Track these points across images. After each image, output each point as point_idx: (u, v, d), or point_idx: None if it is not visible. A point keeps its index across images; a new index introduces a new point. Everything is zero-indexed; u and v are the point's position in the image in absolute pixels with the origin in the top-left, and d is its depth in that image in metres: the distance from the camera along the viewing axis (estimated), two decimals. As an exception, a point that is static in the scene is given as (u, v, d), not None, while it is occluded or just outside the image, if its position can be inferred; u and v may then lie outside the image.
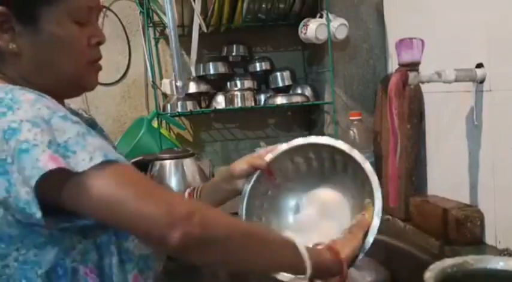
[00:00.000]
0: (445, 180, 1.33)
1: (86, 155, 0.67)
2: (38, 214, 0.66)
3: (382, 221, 0.88)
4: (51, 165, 0.64)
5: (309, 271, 0.78)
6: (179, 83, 1.29)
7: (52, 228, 0.72)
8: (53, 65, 0.80)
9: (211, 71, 1.79)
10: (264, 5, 1.66)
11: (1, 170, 0.67)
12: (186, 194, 1.05)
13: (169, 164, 1.40)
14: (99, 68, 0.87)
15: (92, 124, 0.97)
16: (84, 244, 0.75)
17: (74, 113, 0.96)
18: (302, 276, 0.79)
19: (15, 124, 0.67)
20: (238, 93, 1.70)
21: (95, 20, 0.85)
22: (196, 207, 0.71)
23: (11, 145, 0.66)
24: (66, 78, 0.82)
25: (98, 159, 0.67)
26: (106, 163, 0.67)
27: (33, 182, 0.64)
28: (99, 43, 0.85)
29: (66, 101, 0.92)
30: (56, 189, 0.67)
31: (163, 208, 0.68)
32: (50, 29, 0.78)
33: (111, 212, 0.68)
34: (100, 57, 0.86)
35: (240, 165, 1.02)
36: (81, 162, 0.66)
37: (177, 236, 0.66)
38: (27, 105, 0.69)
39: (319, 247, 0.85)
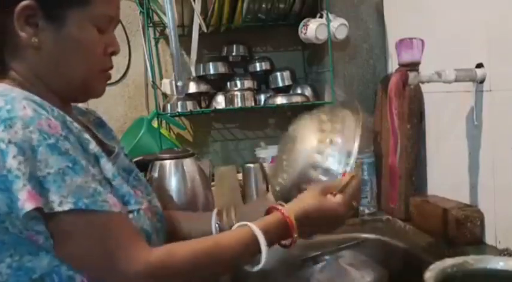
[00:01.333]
0: (445, 180, 1.33)
1: (57, 197, 0.68)
2: (46, 234, 0.71)
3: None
4: (28, 206, 0.66)
5: (264, 256, 0.80)
6: (179, 83, 1.29)
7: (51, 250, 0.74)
8: (69, 66, 0.81)
9: (211, 71, 1.79)
10: (264, 5, 1.66)
11: (2, 186, 0.67)
12: (214, 216, 1.04)
13: (169, 164, 1.40)
14: (109, 77, 0.89)
15: (99, 123, 0.98)
16: None
17: (82, 112, 0.96)
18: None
19: (3, 144, 0.67)
20: (238, 93, 1.70)
21: (111, 31, 0.87)
22: (154, 265, 0.73)
23: None
24: (78, 81, 0.83)
25: (67, 206, 0.68)
26: (75, 211, 0.69)
27: (20, 219, 0.67)
28: (113, 53, 0.87)
29: None
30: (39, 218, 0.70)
31: (117, 262, 0.71)
32: (73, 30, 0.79)
33: (69, 261, 0.73)
34: (111, 67, 0.88)
35: None
36: (50, 203, 0.68)
37: None
38: (20, 125, 0.69)
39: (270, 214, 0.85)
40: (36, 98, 0.75)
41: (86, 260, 0.72)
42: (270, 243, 0.81)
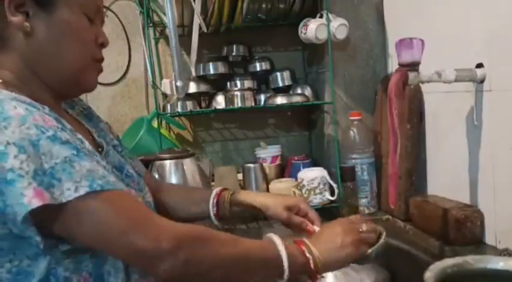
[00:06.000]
0: (445, 180, 1.33)
1: (71, 184, 0.67)
2: (37, 238, 0.68)
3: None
4: (36, 203, 0.65)
5: (286, 274, 0.79)
6: (179, 83, 1.29)
7: (52, 249, 0.73)
8: (61, 51, 0.81)
9: (211, 71, 1.80)
10: (264, 5, 1.66)
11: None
12: (214, 193, 1.06)
13: (169, 164, 1.40)
14: (101, 69, 0.88)
15: (87, 115, 0.97)
16: (77, 254, 0.74)
17: (71, 105, 0.95)
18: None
19: (1, 146, 0.66)
20: (238, 93, 1.70)
21: (99, 23, 0.87)
22: (184, 240, 0.72)
23: None
24: (70, 67, 0.82)
25: (83, 190, 0.68)
26: (91, 193, 0.68)
27: (19, 218, 0.65)
28: (103, 45, 0.87)
29: None
30: (45, 220, 0.68)
31: (149, 243, 0.69)
32: (64, 15, 0.79)
33: (99, 242, 0.71)
34: (103, 59, 0.88)
35: (279, 210, 1.03)
36: (65, 191, 0.67)
37: (162, 270, 0.70)
38: (15, 124, 0.68)
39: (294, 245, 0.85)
40: (25, 98, 0.75)
41: (115, 235, 0.70)
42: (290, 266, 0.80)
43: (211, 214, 1.05)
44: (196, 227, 0.77)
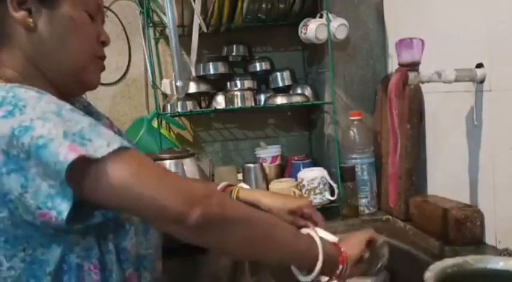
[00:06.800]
0: (445, 180, 1.33)
1: (102, 141, 0.68)
2: (63, 206, 0.67)
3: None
4: (72, 156, 0.65)
5: (320, 264, 0.82)
6: (179, 83, 1.29)
7: (63, 235, 0.73)
8: (64, 46, 0.81)
9: (211, 71, 1.79)
10: (264, 5, 1.66)
11: (15, 166, 0.67)
12: (220, 187, 1.06)
13: (169, 164, 1.40)
14: (103, 67, 0.89)
15: (88, 112, 0.97)
16: (87, 240, 0.75)
17: (70, 103, 0.95)
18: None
19: (26, 123, 0.67)
20: (238, 93, 1.70)
21: (100, 22, 0.88)
22: (214, 190, 0.75)
23: (24, 142, 0.66)
24: (73, 64, 0.82)
25: (116, 145, 0.68)
26: (123, 149, 0.69)
27: (62, 176, 0.65)
28: (104, 43, 0.87)
29: None
30: (77, 179, 0.67)
31: (183, 188, 0.70)
32: (67, 11, 0.80)
33: (132, 196, 0.68)
34: (105, 56, 0.88)
35: (283, 215, 1.04)
36: (99, 148, 0.67)
37: (196, 214, 0.68)
38: (33, 102, 0.69)
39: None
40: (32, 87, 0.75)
41: (148, 187, 0.68)
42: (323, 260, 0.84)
43: None
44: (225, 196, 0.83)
